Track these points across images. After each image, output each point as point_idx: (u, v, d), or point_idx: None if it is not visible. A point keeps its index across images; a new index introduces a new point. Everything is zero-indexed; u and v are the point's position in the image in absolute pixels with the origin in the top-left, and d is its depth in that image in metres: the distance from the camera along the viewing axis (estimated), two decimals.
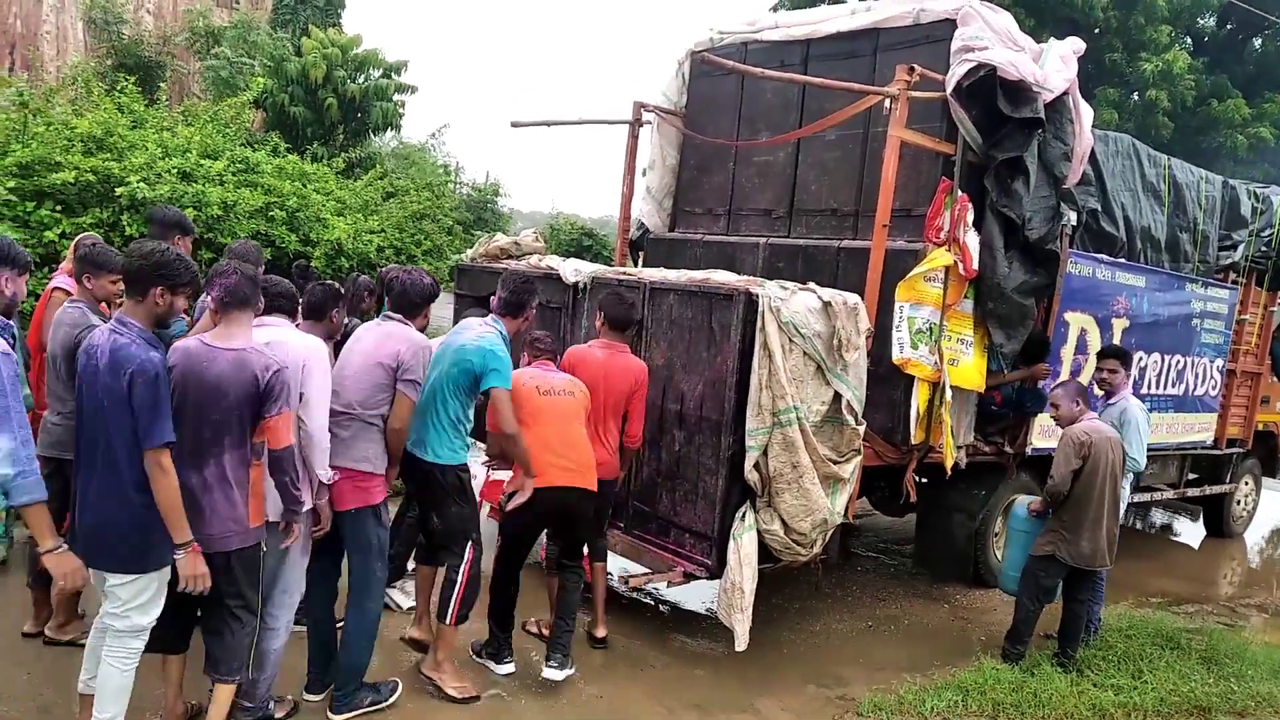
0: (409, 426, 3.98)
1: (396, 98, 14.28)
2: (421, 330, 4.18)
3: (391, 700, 4.06)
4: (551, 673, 4.37)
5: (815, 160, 6.37)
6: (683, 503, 4.94)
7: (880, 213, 5.30)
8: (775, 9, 14.35)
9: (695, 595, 5.92)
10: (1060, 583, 5.26)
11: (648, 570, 5.00)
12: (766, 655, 5.06)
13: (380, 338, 3.97)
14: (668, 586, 5.05)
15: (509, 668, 4.50)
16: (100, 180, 8.30)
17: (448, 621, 4.17)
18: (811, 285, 4.93)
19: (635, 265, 7.61)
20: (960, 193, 5.47)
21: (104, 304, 4.11)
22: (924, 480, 5.95)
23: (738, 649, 4.63)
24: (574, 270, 5.77)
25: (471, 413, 4.24)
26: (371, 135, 14.81)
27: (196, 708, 3.70)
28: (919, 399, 5.44)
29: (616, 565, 5.41)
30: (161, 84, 11.85)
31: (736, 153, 6.78)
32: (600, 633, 4.95)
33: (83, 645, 3.52)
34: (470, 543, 4.18)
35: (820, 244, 6.11)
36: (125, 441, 3.06)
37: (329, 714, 3.91)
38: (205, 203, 8.57)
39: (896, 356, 5.31)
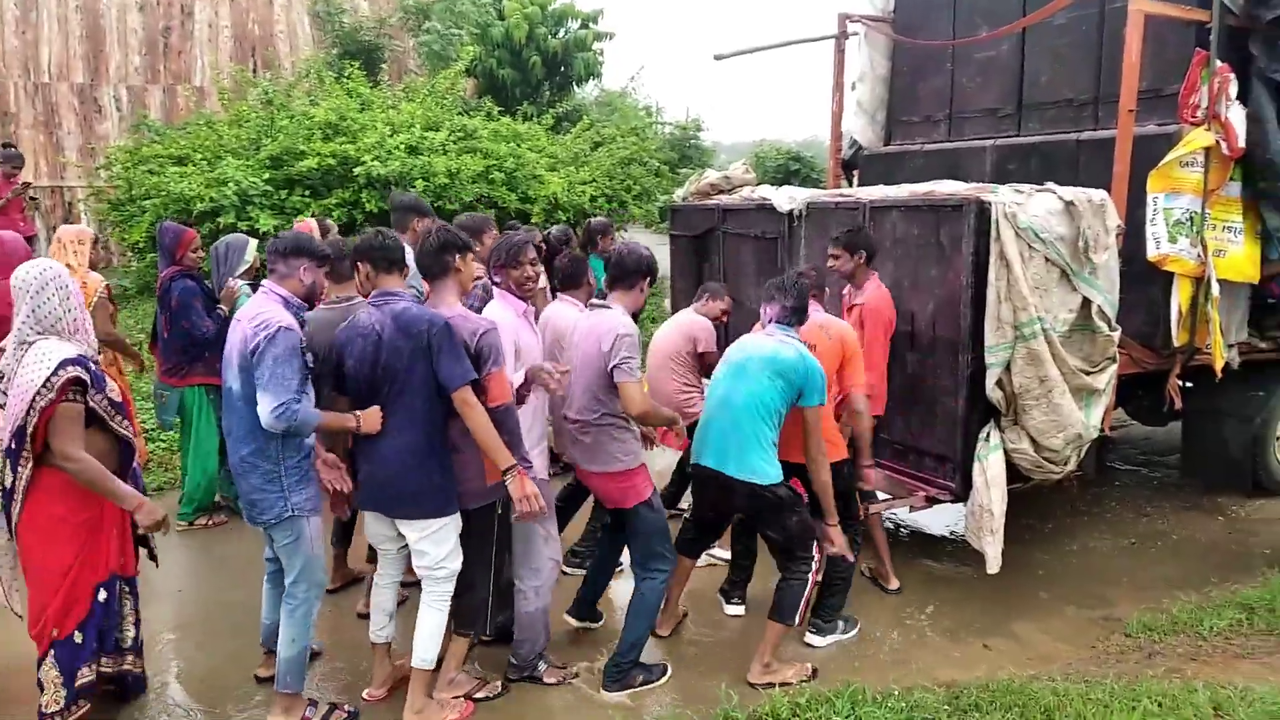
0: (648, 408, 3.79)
1: (595, 46, 14.47)
2: (638, 306, 4.04)
3: (661, 681, 3.93)
4: (811, 638, 4.27)
5: (1044, 49, 5.88)
6: (921, 426, 4.79)
7: (1125, 96, 4.82)
8: None
9: (937, 520, 5.77)
10: None
11: (888, 495, 4.90)
12: (1020, 578, 4.86)
13: (585, 338, 3.83)
14: (910, 511, 4.94)
15: (738, 609, 4.52)
16: (339, 163, 9.00)
17: (795, 622, 3.90)
18: (1050, 185, 4.58)
19: (850, 185, 7.37)
20: (1219, 63, 4.87)
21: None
22: (1189, 385, 5.45)
23: (989, 571, 4.48)
24: (788, 198, 5.66)
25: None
26: (575, 87, 15.11)
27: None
28: (1181, 297, 4.96)
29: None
30: (383, 65, 12.63)
31: (954, 53, 6.38)
32: (893, 584, 4.78)
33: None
34: (816, 545, 3.92)
35: (1056, 139, 5.66)
36: (425, 394, 3.32)
37: (602, 690, 3.85)
38: (432, 173, 9.11)
39: (1153, 253, 4.86)
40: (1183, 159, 4.89)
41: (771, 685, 3.84)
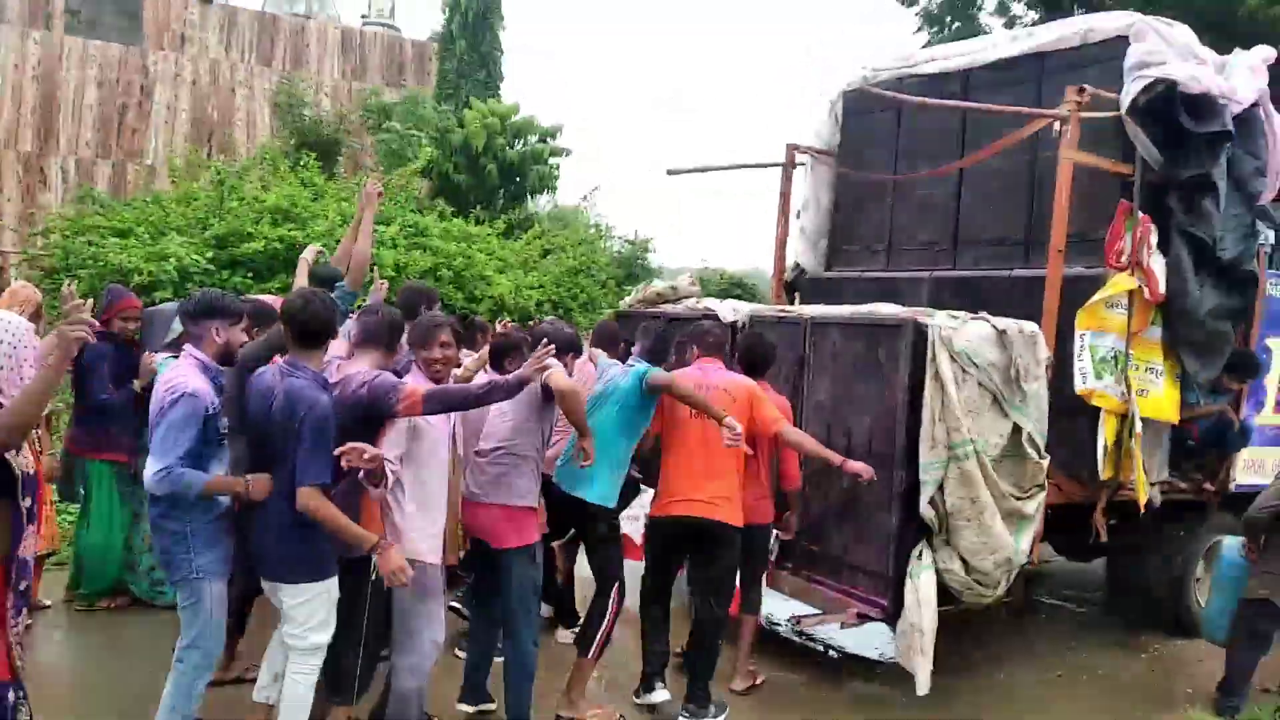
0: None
1: (552, 161, 14.86)
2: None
3: None
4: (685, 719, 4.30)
5: (980, 190, 6.18)
6: (854, 541, 4.80)
7: (1055, 238, 5.08)
8: (928, 45, 14.15)
9: (867, 640, 5.69)
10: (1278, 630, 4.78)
11: (819, 611, 4.85)
12: (949, 704, 4.79)
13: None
14: (841, 628, 4.87)
15: (662, 695, 4.44)
16: (286, 248, 8.97)
17: (590, 655, 4.22)
18: (984, 314, 4.76)
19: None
20: (1141, 214, 5.18)
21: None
22: (1113, 522, 5.56)
23: (919, 693, 4.42)
24: (732, 309, 5.78)
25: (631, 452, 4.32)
26: (529, 198, 15.42)
27: None
28: (1106, 432, 5.12)
29: (786, 607, 5.28)
30: (339, 158, 12.79)
31: (894, 188, 6.67)
32: (738, 685, 4.74)
33: (249, 681, 3.78)
34: (619, 584, 4.27)
35: (989, 274, 5.89)
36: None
37: None
38: (380, 264, 9.09)
39: (1080, 387, 5.03)
40: (1108, 300, 5.13)
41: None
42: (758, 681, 4.81)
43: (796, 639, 5.56)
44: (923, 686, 4.41)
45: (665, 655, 4.53)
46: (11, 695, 2.98)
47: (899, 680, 5.04)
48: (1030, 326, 4.75)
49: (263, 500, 3.34)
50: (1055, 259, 5.09)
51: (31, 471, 2.93)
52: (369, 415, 3.39)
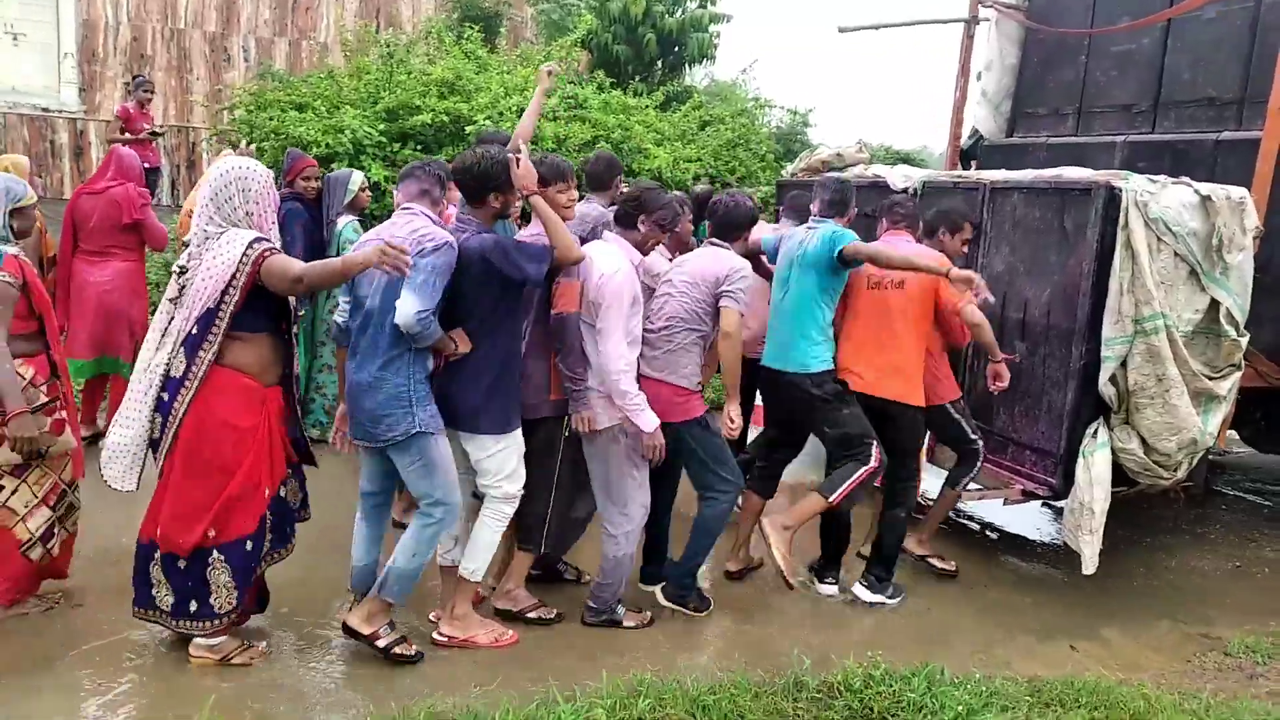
0: (740, 338, 3.88)
1: (712, 28, 14.37)
2: (744, 254, 4.11)
3: (702, 614, 4.06)
4: (860, 591, 4.33)
5: (1189, 43, 5.61)
6: (1023, 418, 4.62)
7: (1276, 94, 4.57)
8: None
9: (1027, 521, 5.59)
10: None
11: (981, 486, 4.75)
12: (1113, 586, 4.65)
13: (703, 261, 3.96)
14: (1004, 504, 4.77)
15: (831, 588, 4.42)
16: (452, 120, 9.12)
17: (833, 499, 4.02)
18: (1185, 179, 4.36)
19: None
20: None
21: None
22: None
23: (1085, 571, 4.29)
24: (903, 176, 5.52)
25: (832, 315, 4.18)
26: (688, 68, 15.03)
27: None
28: None
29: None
30: (500, 31, 12.77)
31: (1090, 44, 6.13)
32: (913, 548, 4.64)
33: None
34: (875, 444, 4.05)
35: (1193, 138, 5.40)
36: (499, 315, 3.51)
37: (658, 596, 4.06)
38: (540, 137, 9.14)
39: None
40: None
41: (766, 541, 4.03)
42: (950, 567, 4.68)
43: (953, 515, 5.53)
44: (1089, 565, 4.28)
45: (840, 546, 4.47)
46: (282, 490, 3.49)
47: (1060, 560, 4.95)
48: (1239, 192, 4.33)
49: (460, 357, 3.45)
50: (1274, 118, 4.60)
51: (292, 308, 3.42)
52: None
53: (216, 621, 3.32)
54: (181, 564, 3.27)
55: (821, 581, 4.47)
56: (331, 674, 3.48)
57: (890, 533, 4.35)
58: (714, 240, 4.09)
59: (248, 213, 3.22)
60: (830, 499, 4.02)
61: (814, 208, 4.33)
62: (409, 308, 3.23)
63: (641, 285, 3.93)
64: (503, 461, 3.56)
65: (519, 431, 3.60)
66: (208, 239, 3.21)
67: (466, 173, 3.51)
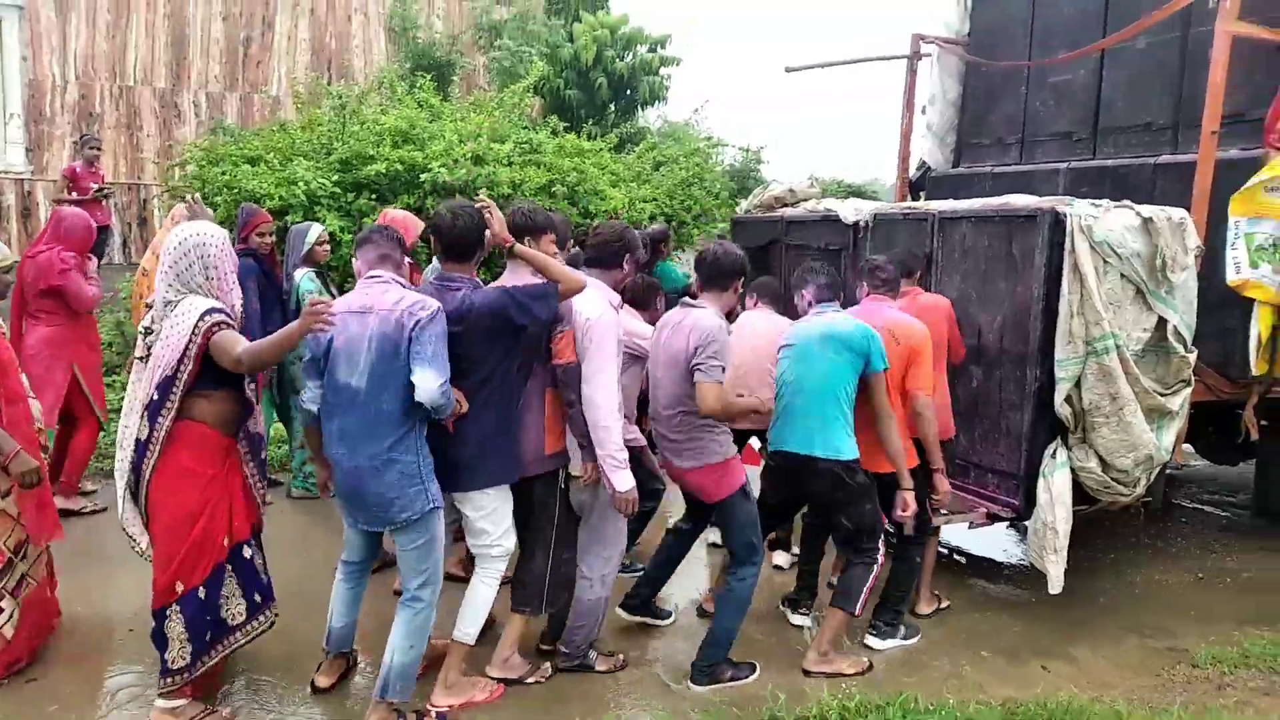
0: (726, 409, 3.73)
1: (662, 71, 14.61)
2: (730, 306, 4.01)
3: (750, 679, 3.87)
4: (873, 642, 4.22)
5: (1123, 73, 5.81)
6: (983, 441, 4.69)
7: (1208, 119, 4.73)
8: None
9: (992, 543, 5.64)
10: None
11: (947, 511, 4.78)
12: (1079, 605, 4.70)
13: (674, 341, 3.80)
14: (970, 528, 4.81)
15: (805, 619, 4.43)
16: (406, 169, 9.13)
17: (856, 610, 3.92)
18: (1126, 202, 4.49)
19: None
20: None
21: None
22: (1264, 423, 5.25)
23: (1051, 591, 4.34)
24: (854, 209, 5.62)
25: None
26: (640, 110, 15.23)
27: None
28: (1260, 325, 4.80)
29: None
30: (453, 79, 12.89)
31: (1029, 76, 6.32)
32: (923, 609, 4.56)
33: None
34: (881, 541, 3.97)
35: (1132, 163, 5.56)
36: (503, 372, 3.44)
37: (689, 684, 3.81)
38: (495, 182, 9.19)
39: (1233, 278, 4.72)
40: (1267, 184, 4.75)
41: (825, 674, 3.85)
42: (942, 605, 4.65)
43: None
44: (1055, 584, 4.32)
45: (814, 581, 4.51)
46: (248, 551, 3.48)
47: (1027, 581, 4.99)
48: (1179, 213, 4.46)
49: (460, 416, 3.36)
50: (1208, 141, 4.74)
51: None
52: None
53: (169, 679, 3.27)
54: (153, 620, 3.30)
55: (795, 612, 4.48)
56: None
57: (897, 585, 4.28)
58: (687, 301, 3.95)
59: (207, 278, 3.28)
60: (856, 611, 3.92)
61: (809, 294, 4.14)
62: (432, 383, 3.12)
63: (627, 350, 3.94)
64: (499, 519, 3.51)
65: (508, 489, 3.54)
66: (167, 304, 3.25)
67: (450, 232, 3.42)
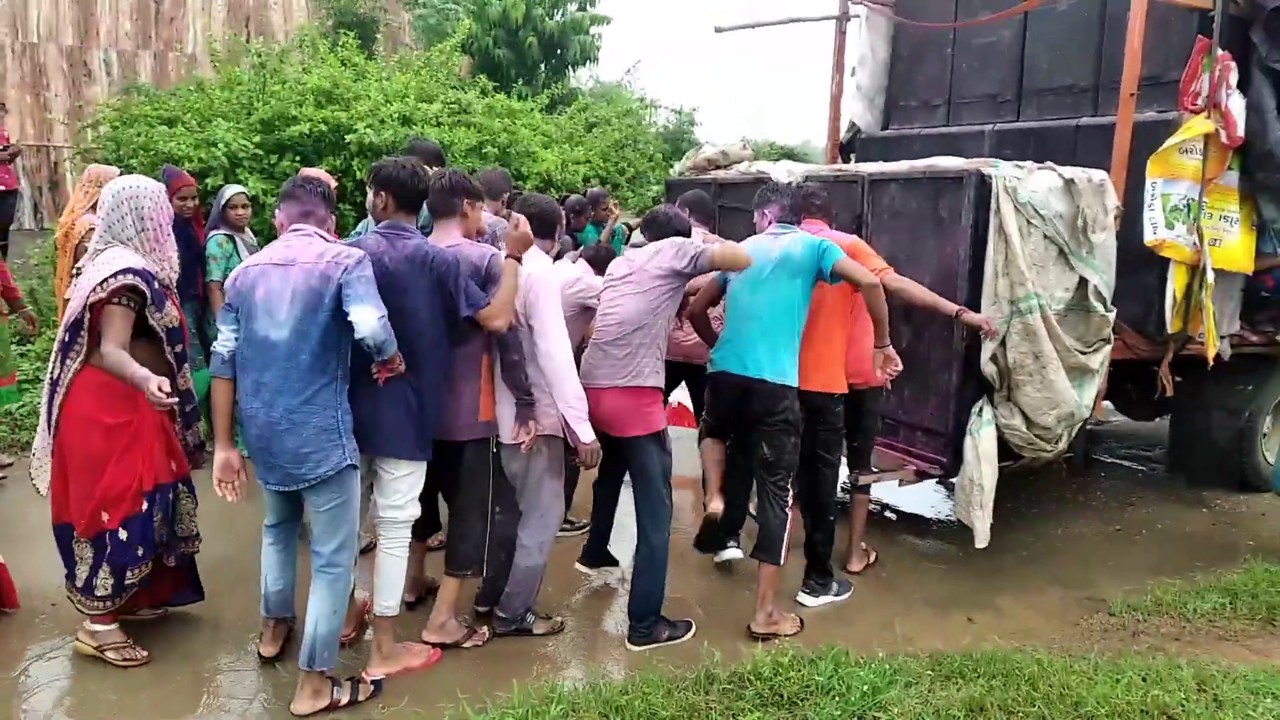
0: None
1: (593, 30, 14.41)
2: None
3: (686, 637, 3.92)
4: (805, 599, 4.30)
5: (1045, 35, 5.89)
6: (911, 400, 4.78)
7: (1126, 81, 4.81)
8: None
9: (920, 500, 5.77)
10: None
11: (876, 469, 4.87)
12: (1004, 557, 4.84)
13: (642, 255, 3.87)
14: (899, 485, 4.91)
15: (734, 552, 4.57)
16: (331, 130, 8.88)
17: (780, 561, 3.96)
18: (1049, 164, 4.57)
19: None
20: (1220, 51, 4.88)
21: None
22: (1178, 379, 5.45)
23: (977, 545, 4.45)
24: (786, 171, 5.63)
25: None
26: (571, 71, 15.03)
27: (431, 583, 4.04)
28: (1175, 284, 4.98)
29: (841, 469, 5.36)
30: (377, 37, 12.54)
31: (955, 38, 6.37)
32: (854, 566, 4.63)
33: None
34: (792, 485, 4.01)
35: (1055, 125, 5.66)
36: (434, 333, 3.40)
37: (627, 644, 3.87)
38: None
39: (1149, 238, 4.86)
40: (1182, 145, 4.90)
41: (772, 637, 3.91)
42: (871, 560, 4.72)
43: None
44: (981, 539, 4.44)
45: (742, 513, 4.56)
46: (171, 491, 3.57)
47: (954, 535, 5.13)
48: (1099, 175, 4.57)
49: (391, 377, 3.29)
50: (1126, 103, 4.83)
51: (176, 325, 3.49)
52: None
53: (94, 603, 3.45)
54: (84, 544, 3.44)
55: (724, 548, 4.60)
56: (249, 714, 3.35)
57: (822, 534, 4.31)
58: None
59: (140, 229, 3.38)
60: (781, 563, 3.96)
61: (770, 213, 4.14)
62: (371, 316, 3.04)
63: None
64: (412, 484, 3.47)
65: (425, 462, 3.50)
66: (96, 253, 3.36)
67: (408, 186, 3.42)
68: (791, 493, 3.99)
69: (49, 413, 3.41)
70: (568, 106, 12.55)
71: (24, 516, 4.86)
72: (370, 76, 10.11)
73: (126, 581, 3.48)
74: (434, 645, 3.68)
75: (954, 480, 4.72)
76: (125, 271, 3.25)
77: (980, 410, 4.48)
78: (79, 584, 3.47)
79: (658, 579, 3.88)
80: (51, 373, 3.39)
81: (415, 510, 3.51)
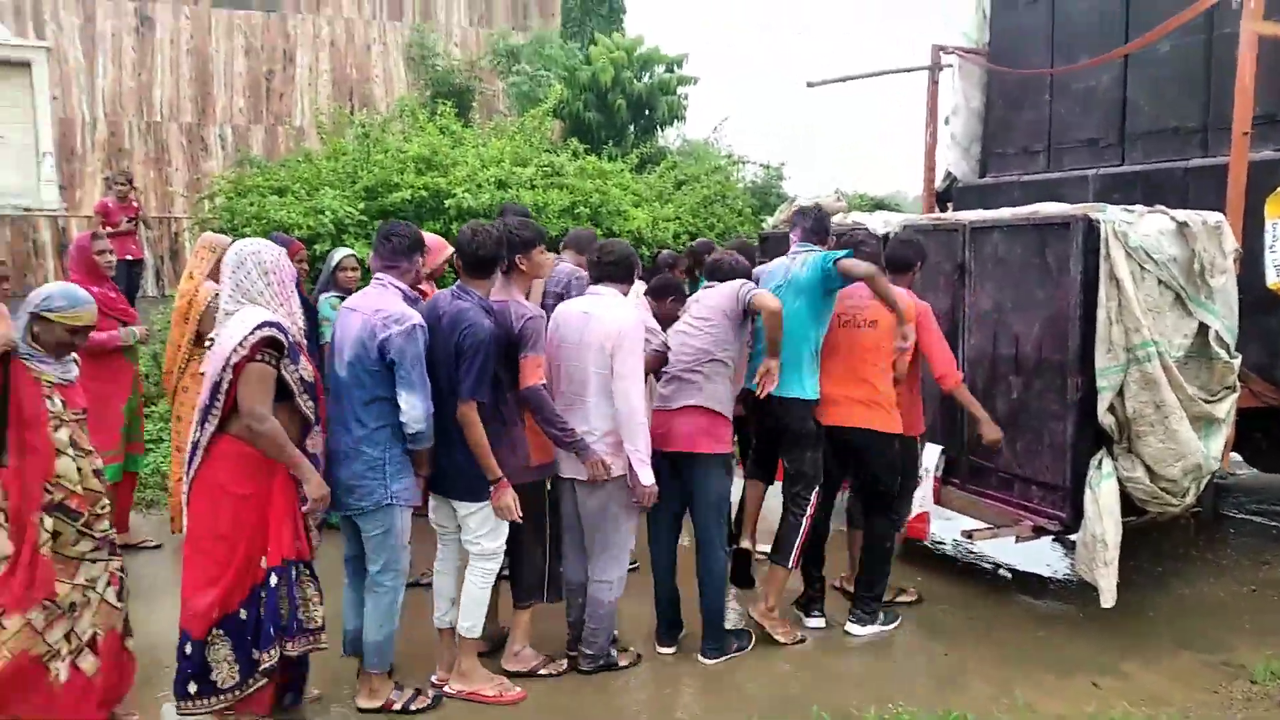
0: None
1: (680, 90, 14.64)
2: None
3: (750, 647, 4.23)
4: (853, 627, 4.40)
5: (1148, 77, 5.76)
6: (1026, 453, 4.61)
7: (1239, 120, 4.67)
8: None
9: (1037, 558, 5.54)
10: None
11: (990, 525, 4.71)
12: (1129, 619, 4.59)
13: (711, 296, 4.15)
14: (1016, 542, 4.72)
15: (818, 621, 4.52)
16: (431, 195, 9.19)
17: (790, 565, 4.24)
18: (1160, 207, 4.43)
19: None
20: None
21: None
22: None
23: (1104, 604, 4.25)
24: (883, 222, 5.58)
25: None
26: (660, 130, 15.27)
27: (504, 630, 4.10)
28: None
29: (953, 524, 5.21)
30: (473, 105, 13.00)
31: (1052, 83, 6.28)
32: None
33: (427, 585, 4.03)
34: (817, 492, 4.25)
35: (1162, 167, 5.50)
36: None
37: (700, 658, 4.12)
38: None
39: (1273, 281, 4.64)
40: None
41: (764, 626, 4.23)
42: (906, 597, 4.80)
43: (964, 556, 5.50)
44: (1108, 598, 4.24)
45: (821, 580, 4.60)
46: (294, 571, 3.34)
47: (1074, 596, 4.91)
48: (1215, 217, 4.40)
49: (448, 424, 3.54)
50: (1240, 143, 4.68)
51: (311, 379, 3.38)
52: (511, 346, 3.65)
53: (216, 698, 3.26)
54: (189, 647, 3.26)
55: (808, 616, 4.55)
56: None
57: (874, 565, 4.44)
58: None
59: (267, 284, 3.32)
60: (790, 566, 4.24)
61: (795, 236, 4.42)
62: (416, 407, 3.38)
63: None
64: (483, 519, 3.65)
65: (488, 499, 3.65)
66: (228, 315, 3.32)
67: (467, 248, 3.63)
68: (813, 503, 4.21)
69: (187, 480, 3.32)
70: (657, 165, 12.73)
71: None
72: (467, 143, 10.46)
73: (262, 666, 3.26)
74: (514, 675, 3.86)
75: (1073, 537, 4.52)
76: (264, 325, 3.20)
77: (1100, 463, 4.30)
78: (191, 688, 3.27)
79: (721, 595, 4.14)
80: (193, 438, 3.31)
81: (492, 544, 3.67)
